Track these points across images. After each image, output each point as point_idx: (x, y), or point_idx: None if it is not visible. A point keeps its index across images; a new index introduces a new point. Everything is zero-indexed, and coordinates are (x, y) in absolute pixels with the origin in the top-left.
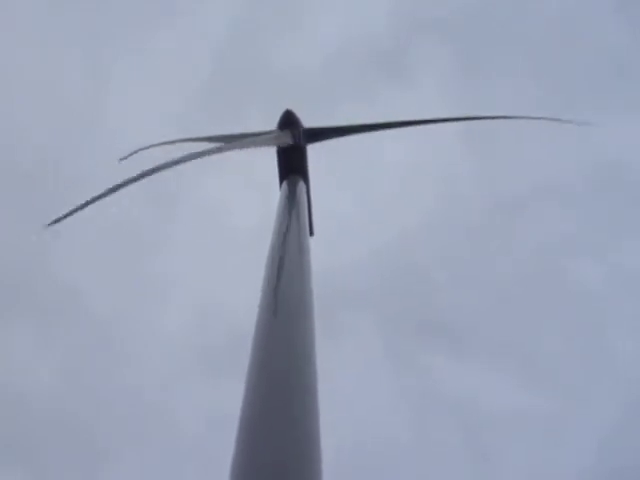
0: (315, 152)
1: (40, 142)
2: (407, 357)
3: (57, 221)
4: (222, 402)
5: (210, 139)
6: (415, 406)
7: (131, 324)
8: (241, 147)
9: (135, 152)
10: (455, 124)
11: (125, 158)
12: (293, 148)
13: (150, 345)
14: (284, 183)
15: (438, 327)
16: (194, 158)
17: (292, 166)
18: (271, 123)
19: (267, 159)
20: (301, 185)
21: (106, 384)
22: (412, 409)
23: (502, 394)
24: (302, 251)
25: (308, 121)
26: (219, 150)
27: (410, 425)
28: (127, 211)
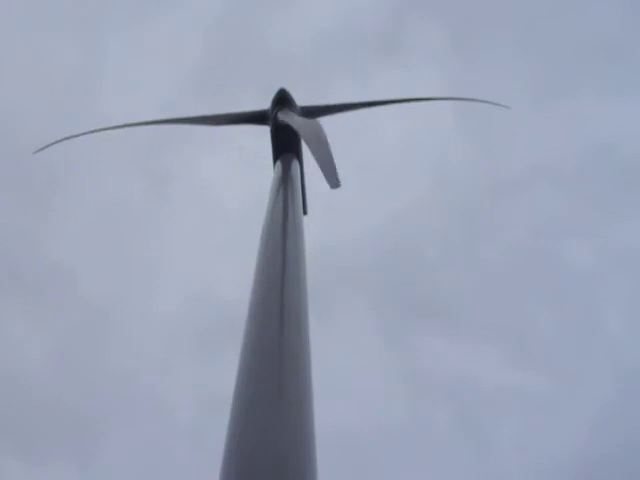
0: None
1: (34, 126)
2: (400, 336)
3: (44, 148)
4: (214, 383)
5: (156, 122)
6: (408, 384)
7: (124, 306)
8: (219, 122)
9: (51, 145)
10: (451, 105)
11: (40, 150)
12: (287, 127)
13: (142, 326)
14: (278, 162)
15: (432, 306)
16: (174, 123)
17: (286, 145)
18: (265, 101)
19: (261, 138)
20: (295, 164)
21: (98, 365)
22: (405, 387)
23: (495, 373)
24: (295, 230)
25: (303, 99)
26: (200, 121)
27: (403, 403)
28: (121, 193)
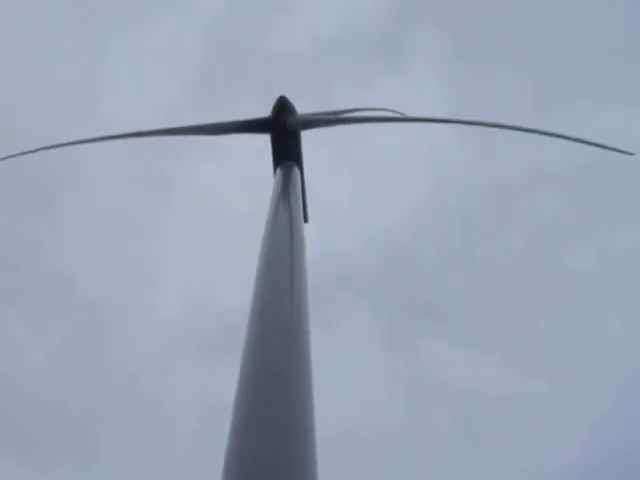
0: (310, 138)
1: (35, 127)
2: (402, 340)
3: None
4: (215, 386)
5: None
6: (409, 387)
7: (125, 309)
8: (219, 132)
9: (17, 155)
10: (451, 108)
11: (4, 159)
12: (287, 134)
13: (143, 330)
14: (278, 169)
15: (433, 310)
16: (176, 134)
17: (286, 152)
18: (265, 109)
19: (262, 145)
20: (295, 171)
21: (99, 368)
22: (405, 390)
23: (496, 375)
24: (296, 237)
25: (303, 107)
26: (198, 131)
27: (404, 406)
28: (122, 198)
